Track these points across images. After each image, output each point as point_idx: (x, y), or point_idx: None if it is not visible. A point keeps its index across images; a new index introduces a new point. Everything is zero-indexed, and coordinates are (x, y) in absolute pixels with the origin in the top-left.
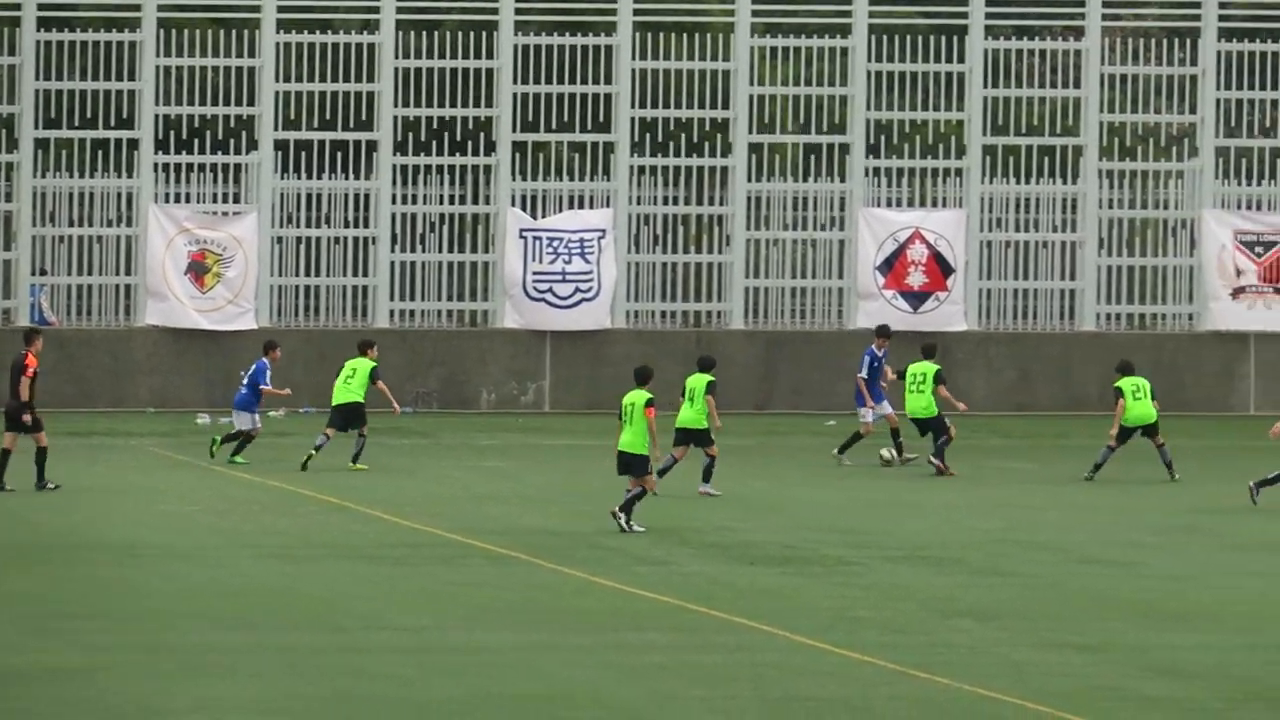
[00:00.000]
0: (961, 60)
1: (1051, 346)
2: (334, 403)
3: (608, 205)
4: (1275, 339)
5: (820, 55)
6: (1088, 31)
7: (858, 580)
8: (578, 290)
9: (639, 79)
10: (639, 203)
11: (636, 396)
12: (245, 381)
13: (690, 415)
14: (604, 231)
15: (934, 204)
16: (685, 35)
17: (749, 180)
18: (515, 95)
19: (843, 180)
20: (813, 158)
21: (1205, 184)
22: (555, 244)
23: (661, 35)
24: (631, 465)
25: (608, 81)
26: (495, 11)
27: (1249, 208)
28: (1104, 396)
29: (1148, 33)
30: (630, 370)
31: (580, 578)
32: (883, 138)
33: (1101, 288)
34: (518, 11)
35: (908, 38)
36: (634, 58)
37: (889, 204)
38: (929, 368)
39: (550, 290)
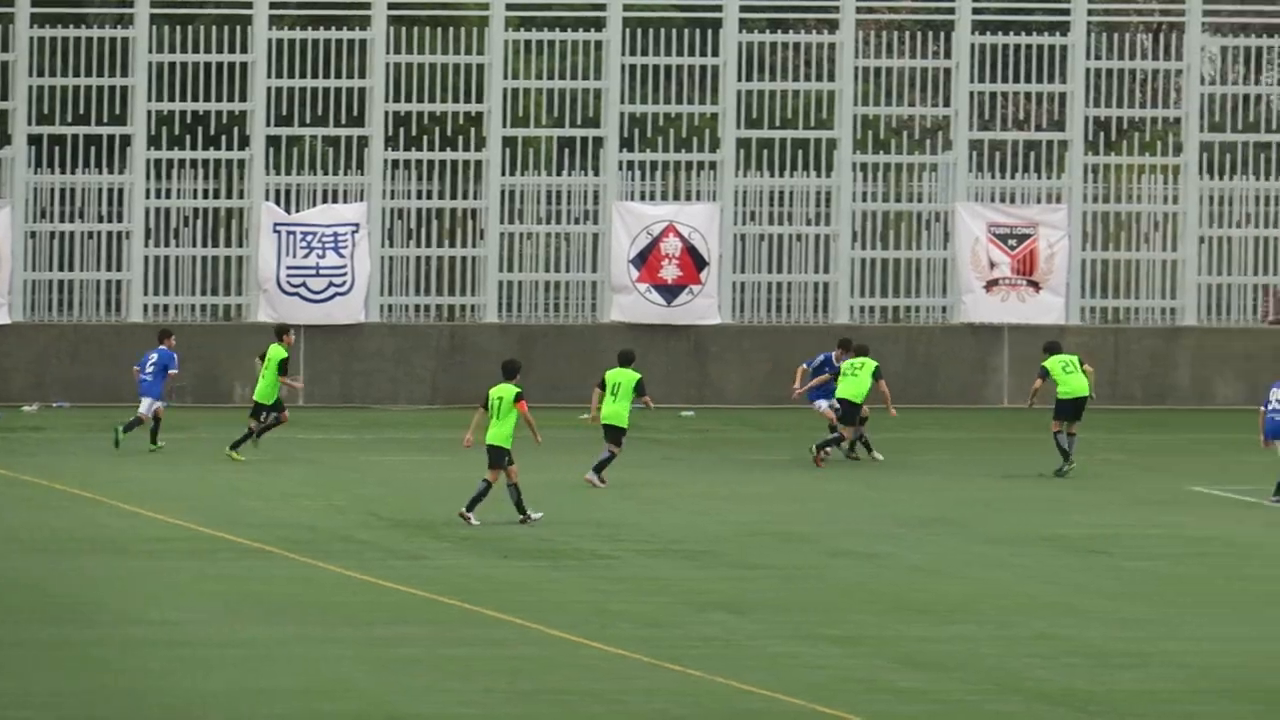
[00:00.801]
0: (715, 53)
1: (806, 339)
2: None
3: (362, 200)
4: (1028, 331)
5: (575, 49)
6: (842, 24)
7: (612, 574)
8: (331, 285)
9: (393, 73)
10: (393, 197)
11: (505, 390)
12: (152, 370)
13: (614, 411)
14: (358, 226)
15: (688, 197)
16: (440, 29)
17: (503, 174)
18: (270, 89)
19: (597, 174)
20: (567, 151)
21: (959, 177)
22: (309, 238)
23: (416, 29)
24: (500, 458)
25: (362, 75)
26: (250, 5)
27: (1002, 201)
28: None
29: (901, 25)
30: (383, 364)
31: (336, 572)
32: (637, 131)
33: (855, 281)
34: (272, 5)
35: (661, 31)
36: (388, 51)
37: (643, 197)
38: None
39: (304, 285)
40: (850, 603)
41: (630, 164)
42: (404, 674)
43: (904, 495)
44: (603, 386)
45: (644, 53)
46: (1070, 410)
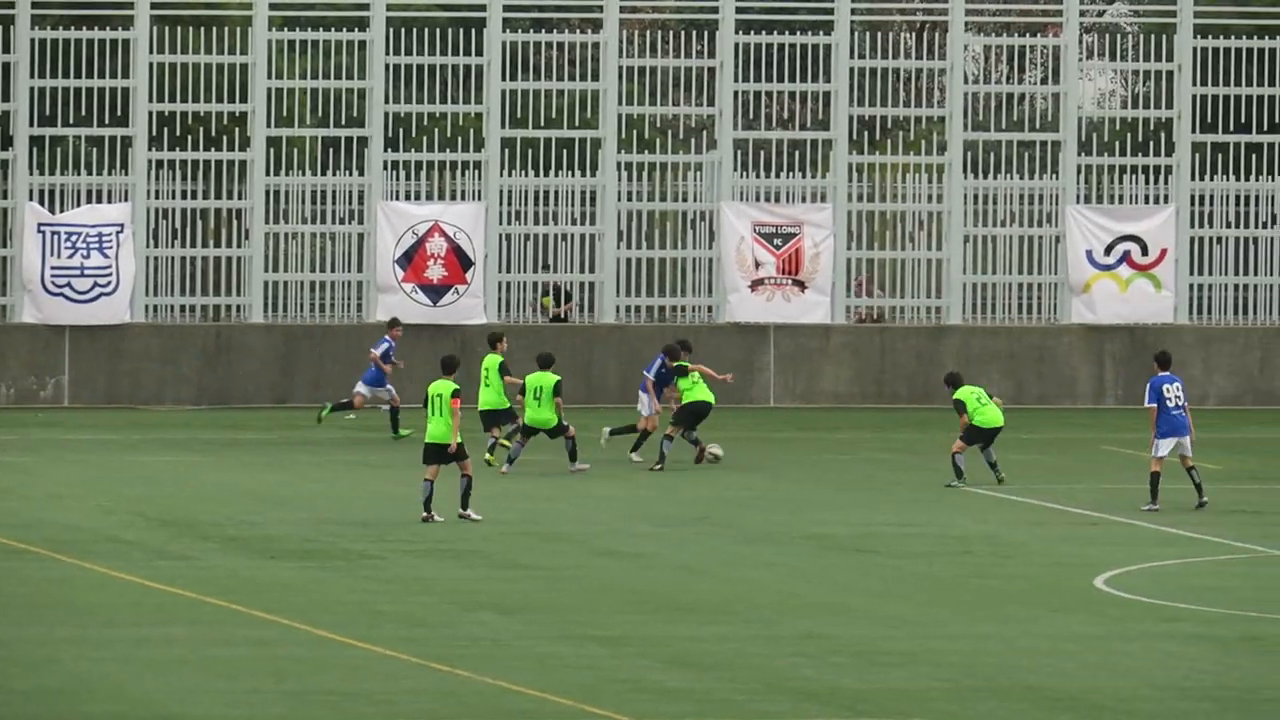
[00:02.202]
0: (480, 53)
1: (573, 338)
2: None
3: (126, 200)
4: (794, 330)
5: (339, 49)
6: (606, 24)
7: (379, 574)
8: (96, 285)
9: (157, 73)
10: (158, 197)
11: (443, 386)
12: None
13: (539, 416)
14: (122, 226)
15: (453, 197)
16: (203, 29)
17: (268, 174)
18: (32, 90)
19: (362, 173)
20: (331, 151)
21: (724, 176)
22: (73, 239)
23: (179, 29)
24: (441, 455)
25: (125, 75)
26: (13, 5)
27: (767, 200)
28: (624, 388)
29: (665, 25)
30: (149, 364)
31: (100, 572)
32: (402, 131)
33: (621, 280)
34: (34, 5)
35: (426, 31)
36: (152, 51)
37: (408, 197)
38: None
39: (68, 285)
40: (616, 603)
41: (395, 164)
42: (170, 674)
43: (668, 495)
44: (523, 392)
45: (408, 52)
46: (985, 437)
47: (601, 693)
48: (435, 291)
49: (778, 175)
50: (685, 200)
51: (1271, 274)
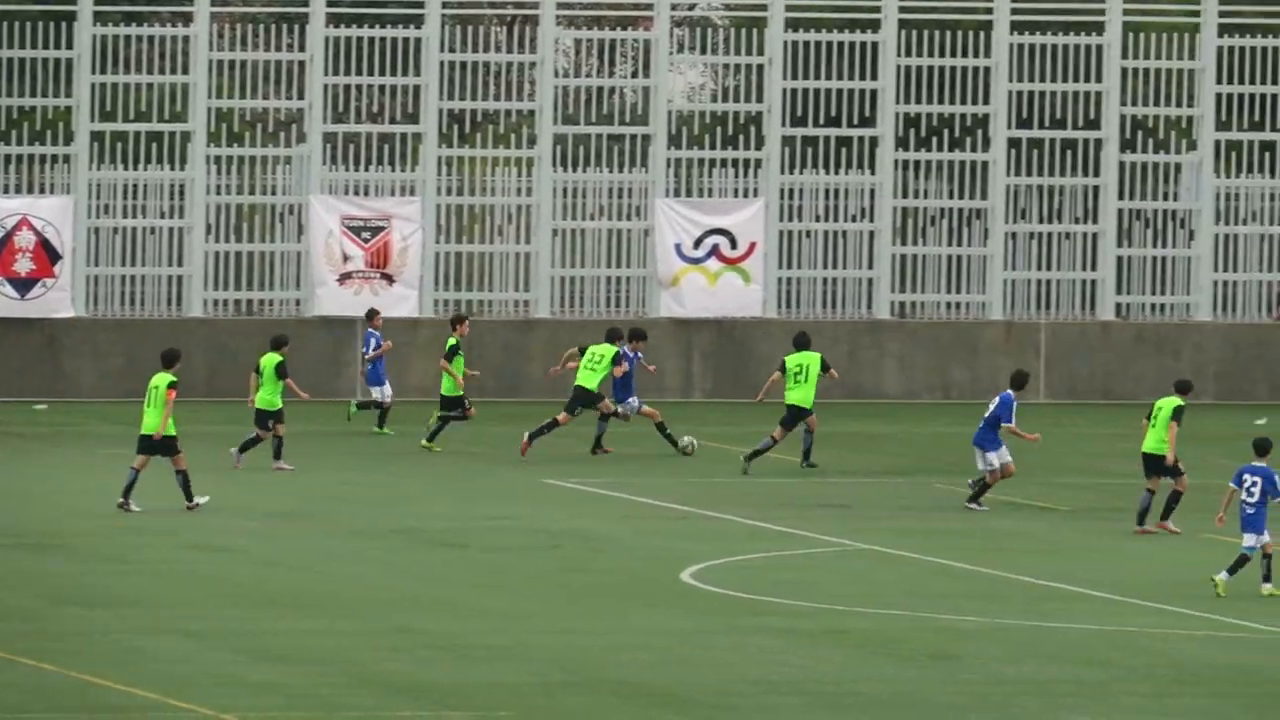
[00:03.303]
0: (70, 46)
1: (160, 332)
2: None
3: None
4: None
5: None
6: (197, 18)
7: None
8: None
9: None
10: None
11: (160, 379)
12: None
13: (265, 397)
14: None
15: (42, 190)
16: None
17: None
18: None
19: None
20: None
21: (313, 170)
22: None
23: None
24: (156, 447)
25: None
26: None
27: (356, 193)
28: (212, 380)
29: (256, 19)
30: None
31: None
32: None
33: (210, 274)
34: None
35: (16, 25)
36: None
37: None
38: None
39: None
40: (206, 597)
41: None
42: None
43: (257, 490)
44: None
45: (5, 46)
46: (791, 418)
47: (190, 686)
48: (23, 285)
49: (367, 169)
50: (274, 194)
51: (860, 267)
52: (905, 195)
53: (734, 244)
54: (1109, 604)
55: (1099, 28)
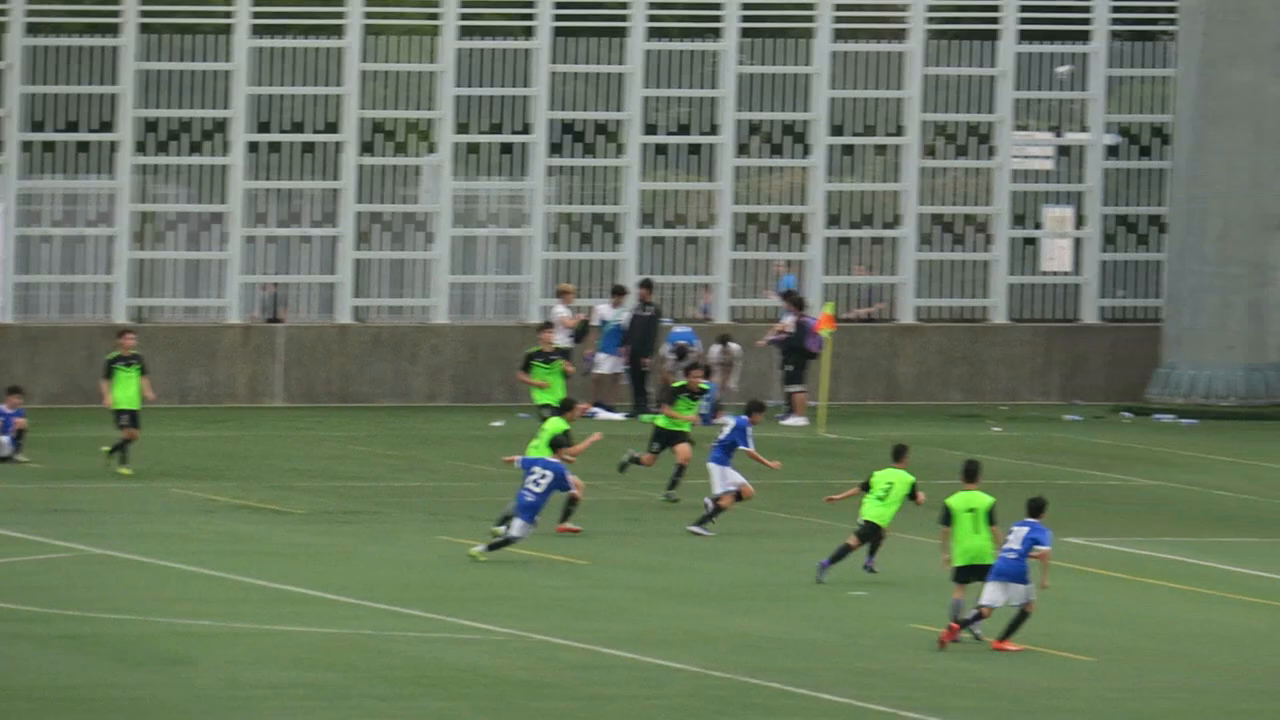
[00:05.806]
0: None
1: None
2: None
3: None
4: None
5: None
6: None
7: None
8: None
9: None
10: None
11: None
12: None
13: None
14: None
15: None
16: None
17: None
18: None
19: None
20: None
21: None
22: None
23: None
24: None
25: None
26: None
27: None
28: None
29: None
30: None
31: None
32: None
33: None
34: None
35: None
36: None
37: None
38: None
39: None
40: None
41: None
42: None
43: None
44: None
45: None
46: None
47: None
48: None
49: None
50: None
51: (98, 271)
52: (145, 200)
53: None
54: (347, 607)
55: (339, 30)
